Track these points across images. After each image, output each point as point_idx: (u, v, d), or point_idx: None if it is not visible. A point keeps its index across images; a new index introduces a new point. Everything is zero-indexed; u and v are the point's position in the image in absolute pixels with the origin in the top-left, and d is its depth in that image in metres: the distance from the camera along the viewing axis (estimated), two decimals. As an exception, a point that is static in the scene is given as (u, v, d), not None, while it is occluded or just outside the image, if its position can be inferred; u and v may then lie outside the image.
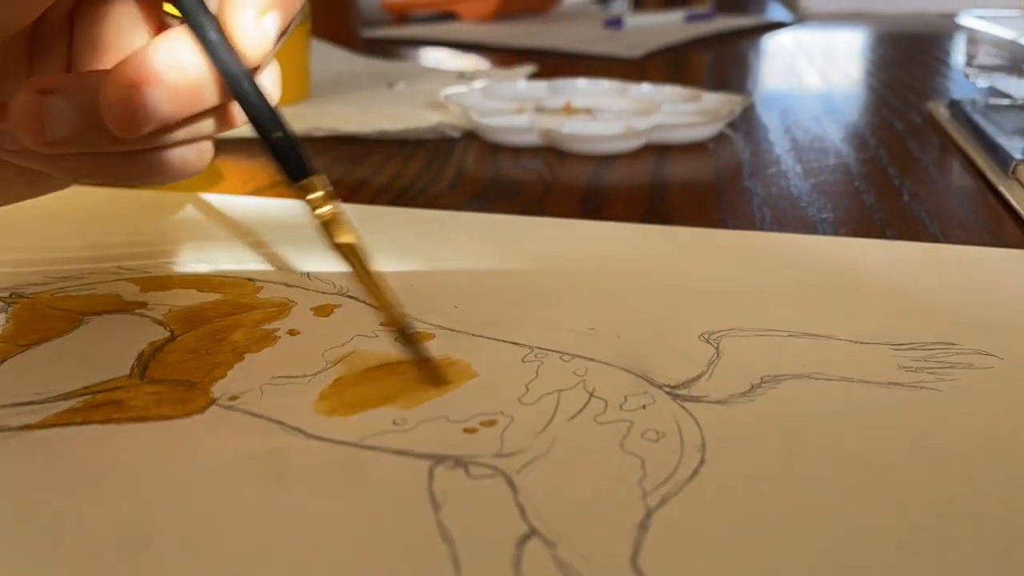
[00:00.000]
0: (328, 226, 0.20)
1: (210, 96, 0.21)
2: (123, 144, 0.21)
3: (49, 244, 0.29)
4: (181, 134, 0.23)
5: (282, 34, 0.22)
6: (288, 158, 0.21)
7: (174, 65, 0.20)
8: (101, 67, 0.23)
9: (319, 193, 0.21)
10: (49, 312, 0.23)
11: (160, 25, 0.24)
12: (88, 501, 0.16)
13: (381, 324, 0.20)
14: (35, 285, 0.25)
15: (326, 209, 0.20)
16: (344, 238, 0.20)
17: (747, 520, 0.15)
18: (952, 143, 0.44)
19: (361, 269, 0.20)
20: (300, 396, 0.19)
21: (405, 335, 0.20)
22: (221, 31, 0.20)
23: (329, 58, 0.66)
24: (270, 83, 0.24)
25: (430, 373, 0.20)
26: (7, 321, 0.23)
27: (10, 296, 0.24)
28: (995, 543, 0.15)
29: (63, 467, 0.17)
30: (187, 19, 0.21)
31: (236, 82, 0.21)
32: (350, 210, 0.33)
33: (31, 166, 0.23)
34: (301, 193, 0.21)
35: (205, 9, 0.21)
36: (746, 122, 0.50)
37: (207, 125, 0.23)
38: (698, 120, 0.45)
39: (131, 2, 0.23)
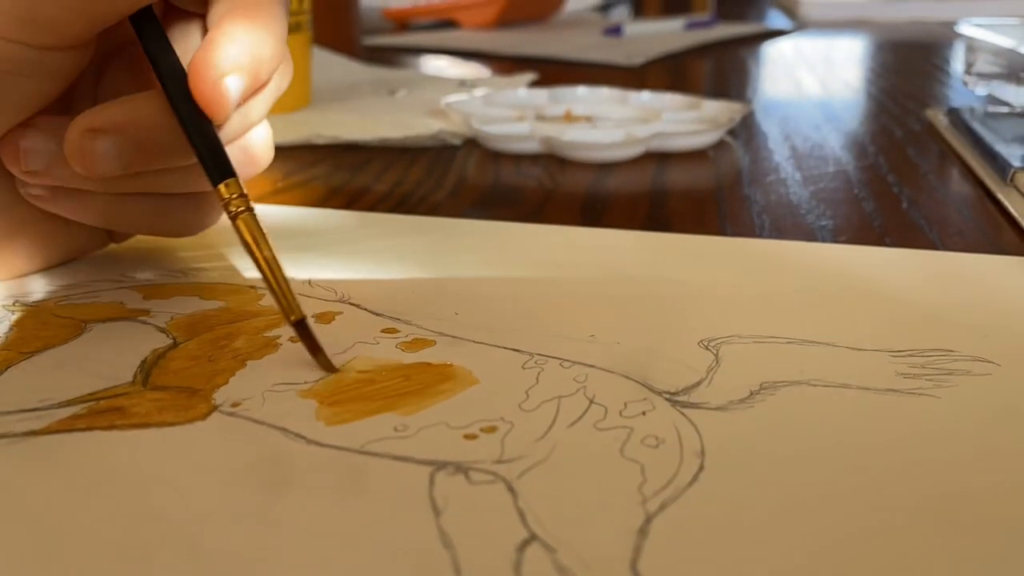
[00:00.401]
0: (240, 226, 0.21)
1: (174, 152, 0.23)
2: (97, 184, 0.23)
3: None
4: (156, 183, 0.25)
5: (256, 96, 0.24)
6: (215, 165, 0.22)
7: (129, 118, 0.22)
8: None
9: (235, 195, 0.22)
10: (52, 319, 0.24)
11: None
12: (91, 507, 0.16)
13: (287, 320, 0.21)
14: (38, 293, 0.25)
15: (241, 210, 0.21)
16: (252, 234, 0.21)
17: (746, 526, 0.15)
18: (951, 150, 0.44)
19: (264, 267, 0.21)
20: (302, 403, 0.19)
21: (302, 328, 0.21)
22: (186, 88, 0.22)
23: (330, 66, 0.67)
24: (259, 142, 0.26)
25: (324, 364, 0.21)
26: (10, 328, 0.23)
27: (13, 304, 0.25)
28: (995, 549, 0.15)
29: (67, 473, 0.17)
30: (157, 76, 0.22)
31: (190, 137, 0.22)
32: (352, 217, 0.33)
33: (58, 212, 0.25)
34: (221, 193, 0.22)
35: (175, 68, 0.22)
36: (746, 130, 0.50)
37: (182, 178, 0.25)
38: (698, 128, 0.45)
39: (145, 83, 0.25)
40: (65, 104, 0.25)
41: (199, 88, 0.21)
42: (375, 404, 0.19)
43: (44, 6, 0.21)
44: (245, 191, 0.22)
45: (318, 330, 0.21)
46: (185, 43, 0.24)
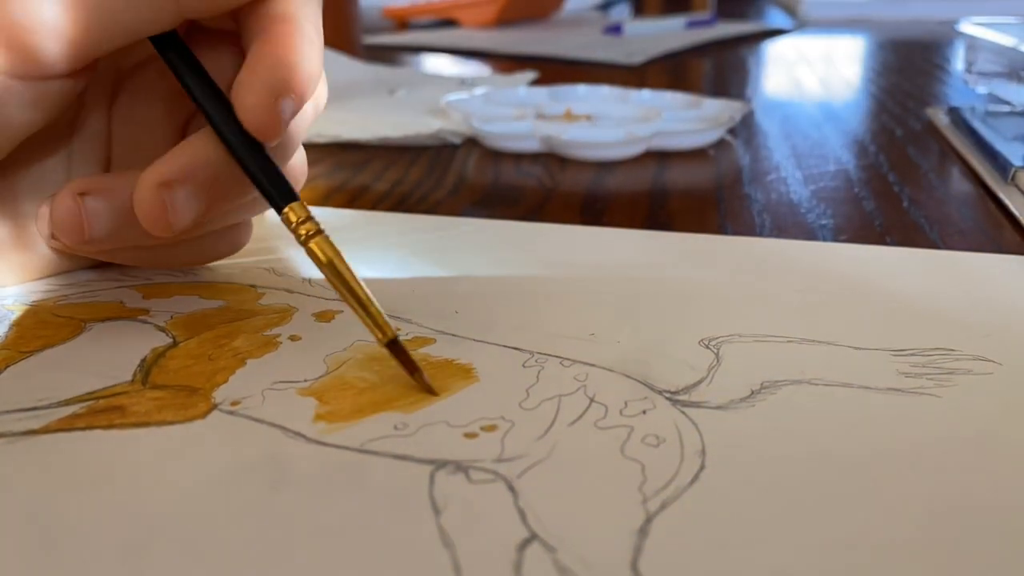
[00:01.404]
0: (314, 248, 0.20)
1: (237, 187, 0.22)
2: (159, 238, 0.22)
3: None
4: (217, 223, 0.24)
5: (298, 114, 0.22)
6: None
7: (197, 162, 0.21)
8: (136, 158, 0.25)
9: (303, 218, 0.21)
10: (52, 319, 0.24)
11: (188, 121, 0.25)
12: (91, 506, 0.16)
13: (378, 340, 0.20)
14: (38, 292, 0.25)
15: (312, 233, 0.21)
16: (330, 260, 0.20)
17: (747, 525, 0.15)
18: (952, 149, 0.44)
19: (349, 288, 0.20)
20: (301, 401, 0.19)
21: (397, 348, 0.20)
22: (233, 118, 0.21)
23: (330, 65, 0.66)
24: (298, 164, 0.26)
25: (423, 385, 0.20)
26: (10, 327, 0.23)
27: (13, 303, 0.25)
28: (996, 548, 0.15)
29: (66, 472, 0.17)
30: (201, 109, 0.22)
31: (246, 167, 0.21)
32: (352, 216, 0.33)
33: (75, 255, 0.25)
34: (287, 219, 0.21)
35: (218, 98, 0.22)
36: (746, 128, 0.50)
37: (240, 211, 0.25)
38: (698, 127, 0.45)
39: (161, 102, 0.25)
40: (71, 129, 0.24)
41: (251, 115, 0.20)
42: (375, 402, 0.19)
43: (28, 35, 0.20)
44: (311, 213, 0.21)
45: (326, 330, 0.21)
46: (218, 64, 0.23)
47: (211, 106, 0.21)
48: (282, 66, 0.21)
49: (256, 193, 0.22)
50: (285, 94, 0.21)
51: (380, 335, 0.20)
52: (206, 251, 0.26)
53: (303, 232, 0.21)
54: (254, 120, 0.21)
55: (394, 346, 0.20)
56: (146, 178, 0.21)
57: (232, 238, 0.26)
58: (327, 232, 0.21)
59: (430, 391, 0.20)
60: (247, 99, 0.20)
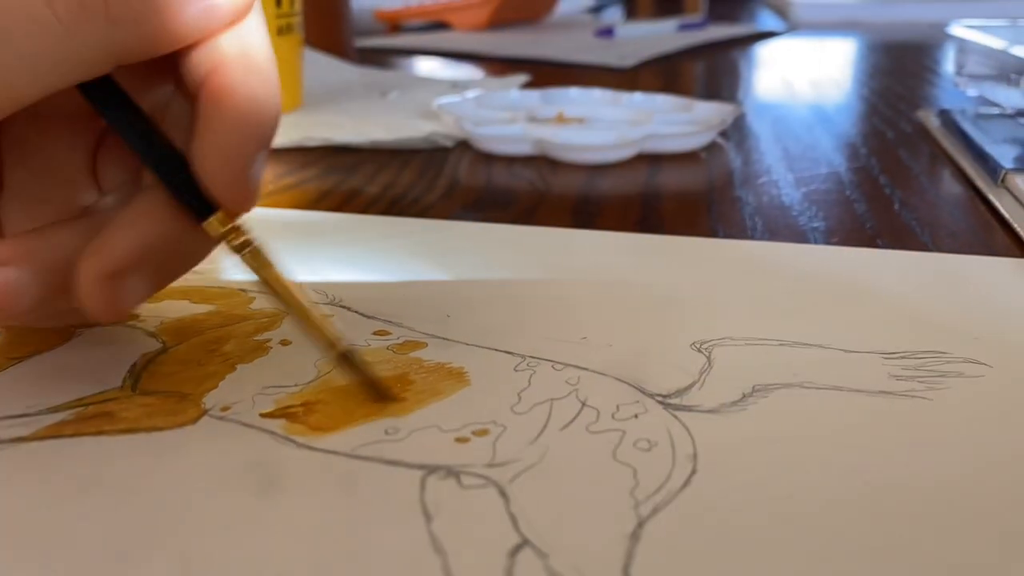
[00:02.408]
0: (250, 258, 0.19)
1: (201, 252, 0.20)
2: None
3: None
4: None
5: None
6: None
7: (148, 242, 0.18)
8: (37, 199, 0.21)
9: (229, 226, 0.19)
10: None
11: (96, 138, 0.21)
12: (80, 513, 0.16)
13: (321, 352, 0.19)
14: (27, 296, 0.25)
15: (242, 240, 0.19)
16: (269, 268, 0.19)
17: (739, 530, 0.15)
18: (942, 152, 0.45)
19: (288, 295, 0.19)
20: (291, 407, 0.19)
21: (344, 358, 0.19)
22: (188, 177, 0.18)
23: (322, 67, 0.66)
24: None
25: (379, 392, 0.19)
26: (-2, 333, 0.23)
27: (2, 307, 0.24)
28: (987, 551, 0.15)
29: (54, 480, 0.17)
30: (154, 172, 0.19)
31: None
32: (343, 220, 0.33)
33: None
34: (214, 229, 0.19)
35: (172, 156, 0.19)
36: (737, 131, 0.50)
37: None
38: (690, 130, 0.45)
39: (64, 120, 0.21)
40: None
41: (219, 189, 0.18)
42: (364, 409, 0.19)
43: None
44: (238, 222, 0.19)
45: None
46: (149, 99, 0.20)
47: (165, 169, 0.19)
48: (246, 114, 0.18)
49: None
50: (255, 157, 0.18)
51: (330, 349, 0.19)
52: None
53: (231, 244, 0.19)
54: (226, 195, 0.18)
55: (344, 360, 0.19)
56: (89, 268, 0.18)
57: (186, 268, 0.22)
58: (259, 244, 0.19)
59: (391, 397, 0.19)
60: (212, 169, 0.18)
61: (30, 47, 0.16)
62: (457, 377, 0.21)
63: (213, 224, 0.19)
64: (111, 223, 0.18)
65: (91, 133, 0.21)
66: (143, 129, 0.19)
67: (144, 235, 0.18)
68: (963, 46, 0.54)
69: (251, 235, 0.19)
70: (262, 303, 0.25)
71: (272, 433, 0.18)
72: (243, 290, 0.26)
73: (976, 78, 0.51)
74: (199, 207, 0.19)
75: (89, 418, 0.19)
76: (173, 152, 0.19)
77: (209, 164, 0.18)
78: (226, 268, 0.27)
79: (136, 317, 0.24)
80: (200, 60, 0.18)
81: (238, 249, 0.19)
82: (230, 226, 0.19)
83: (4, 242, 0.19)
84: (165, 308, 0.24)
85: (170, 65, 0.19)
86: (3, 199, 0.21)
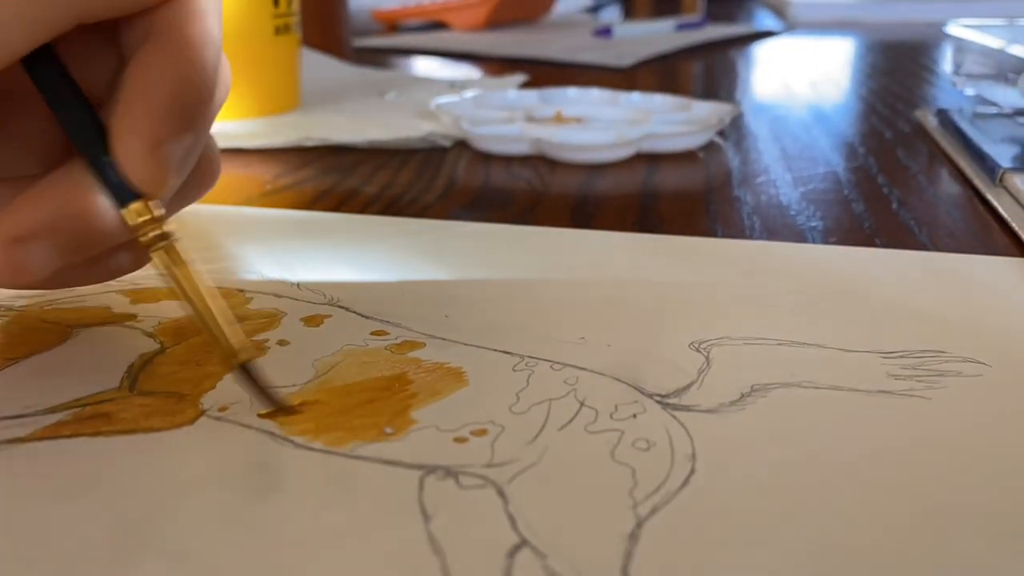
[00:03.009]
0: (162, 254, 0.19)
1: (115, 231, 0.19)
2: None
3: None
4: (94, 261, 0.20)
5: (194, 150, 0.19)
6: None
7: (60, 213, 0.18)
8: (13, 171, 0.21)
9: (146, 217, 0.18)
10: (38, 325, 0.23)
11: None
12: (77, 515, 0.16)
13: (222, 361, 0.18)
14: (24, 298, 0.25)
15: (158, 234, 0.19)
16: (182, 267, 0.19)
17: (737, 529, 0.15)
18: (940, 151, 0.45)
19: (195, 298, 0.19)
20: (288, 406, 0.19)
21: (243, 370, 0.19)
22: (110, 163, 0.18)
23: (319, 67, 0.66)
24: (208, 161, 0.21)
25: (277, 405, 0.19)
26: (-5, 333, 0.23)
27: (-1, 308, 0.24)
28: (986, 550, 0.15)
29: (52, 480, 0.17)
30: (72, 141, 0.19)
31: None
32: (341, 220, 0.33)
33: None
34: (129, 219, 0.19)
35: (92, 128, 0.18)
36: (736, 131, 0.50)
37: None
38: (688, 129, 0.45)
39: (32, 96, 0.20)
40: None
41: (131, 169, 0.18)
42: (362, 409, 0.19)
43: None
44: (157, 212, 0.18)
45: (314, 334, 0.19)
46: (89, 69, 0.20)
47: (83, 140, 0.18)
48: (165, 93, 0.17)
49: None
50: (172, 137, 0.17)
51: (228, 358, 0.18)
52: (96, 275, 0.22)
53: (145, 237, 0.18)
54: (139, 176, 0.18)
55: (242, 371, 0.19)
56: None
57: (129, 263, 0.22)
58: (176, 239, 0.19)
59: (289, 410, 0.19)
60: (124, 146, 0.17)
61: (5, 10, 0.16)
62: (455, 377, 0.21)
63: (130, 213, 0.18)
64: (28, 190, 0.18)
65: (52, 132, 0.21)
66: (74, 103, 0.18)
67: (52, 205, 0.18)
68: (961, 45, 0.54)
69: (170, 229, 0.19)
70: (259, 303, 0.25)
71: (270, 434, 0.18)
72: (241, 291, 0.26)
73: (974, 77, 0.51)
74: (118, 192, 0.18)
75: (87, 419, 0.19)
76: (101, 130, 0.18)
77: (121, 138, 0.18)
78: (223, 267, 0.27)
79: (134, 318, 0.24)
80: (137, 32, 0.18)
81: (150, 243, 0.19)
82: (147, 217, 0.18)
83: (15, 217, 0.18)
84: (163, 309, 0.24)
85: (115, 39, 0.19)
86: None
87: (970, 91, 0.51)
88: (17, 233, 0.18)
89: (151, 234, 0.19)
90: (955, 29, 0.56)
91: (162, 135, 0.17)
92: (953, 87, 0.54)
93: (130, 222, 0.18)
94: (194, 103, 0.18)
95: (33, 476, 0.17)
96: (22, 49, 0.17)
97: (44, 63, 0.18)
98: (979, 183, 0.37)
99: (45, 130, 0.21)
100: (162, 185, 0.18)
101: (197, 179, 0.22)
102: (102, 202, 0.18)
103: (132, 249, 0.21)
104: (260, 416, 0.19)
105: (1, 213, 0.18)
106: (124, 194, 0.18)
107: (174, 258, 0.19)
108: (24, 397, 0.20)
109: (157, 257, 0.19)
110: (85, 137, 0.18)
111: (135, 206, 0.18)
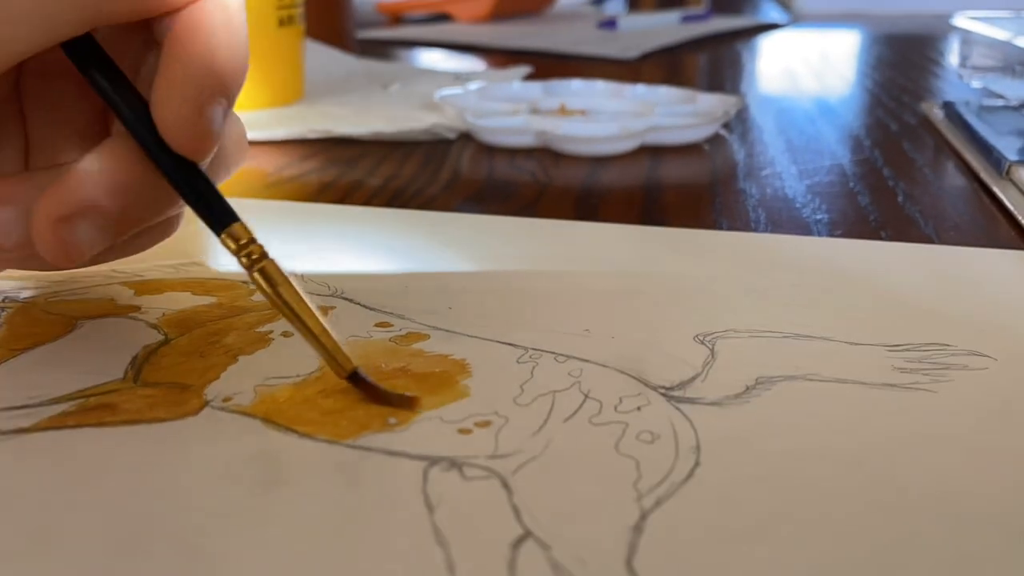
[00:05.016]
0: (261, 276, 0.19)
1: (155, 205, 0.19)
2: None
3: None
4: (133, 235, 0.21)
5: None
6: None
7: (104, 190, 0.18)
8: (59, 149, 0.22)
9: (244, 241, 0.19)
10: (43, 316, 0.23)
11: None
12: (82, 504, 0.16)
13: (337, 373, 0.19)
14: (29, 290, 0.25)
15: (256, 258, 0.19)
16: (281, 290, 0.19)
17: (742, 522, 0.15)
18: (946, 144, 0.44)
19: (298, 319, 0.19)
20: (295, 397, 0.19)
21: (358, 380, 0.19)
22: (153, 129, 0.18)
23: (323, 59, 0.66)
24: (234, 142, 0.22)
25: (395, 406, 0.19)
26: (1, 325, 0.23)
27: (4, 301, 0.24)
28: (991, 543, 0.15)
29: (56, 471, 0.17)
30: (120, 119, 0.19)
31: (177, 185, 0.19)
32: (345, 212, 0.33)
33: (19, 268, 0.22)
34: (225, 244, 0.19)
35: (135, 104, 0.19)
36: (741, 123, 0.50)
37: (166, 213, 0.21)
38: (693, 122, 0.45)
39: (74, 87, 0.22)
40: None
41: (175, 131, 0.18)
42: (367, 411, 0.19)
43: None
44: (254, 235, 0.19)
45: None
46: (130, 57, 0.20)
47: (126, 114, 0.19)
48: (205, 60, 0.18)
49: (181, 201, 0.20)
50: (212, 100, 0.18)
51: (339, 369, 0.19)
52: (128, 249, 0.23)
53: (245, 259, 0.19)
54: (179, 137, 0.18)
55: (355, 379, 0.19)
56: (42, 209, 0.18)
57: (160, 231, 0.23)
58: (274, 259, 0.19)
59: (411, 407, 0.19)
60: (167, 114, 0.18)
61: (18, 6, 0.17)
62: (459, 369, 0.21)
63: (227, 240, 0.19)
64: (71, 169, 0.18)
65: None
66: (117, 82, 0.19)
67: (98, 182, 0.18)
68: (967, 37, 0.54)
69: (264, 250, 0.19)
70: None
71: (274, 424, 0.18)
72: (244, 282, 0.26)
73: (980, 70, 0.51)
74: (217, 219, 0.19)
75: (91, 409, 0.19)
76: (144, 106, 0.19)
77: (165, 104, 0.18)
78: (226, 260, 0.27)
79: (138, 310, 0.24)
80: (167, 20, 0.19)
81: (250, 265, 0.19)
82: (246, 239, 0.19)
83: (60, 195, 0.19)
84: (166, 300, 0.24)
85: (146, 25, 0.20)
86: (31, 155, 0.22)
87: (976, 83, 0.51)
88: (63, 212, 0.18)
89: (248, 255, 0.19)
90: (961, 21, 0.56)
91: (204, 98, 0.18)
92: (959, 79, 0.54)
93: (229, 248, 0.19)
94: (231, 73, 0.18)
95: (38, 466, 0.17)
96: (36, 45, 0.18)
97: (84, 48, 0.19)
98: (985, 176, 0.37)
99: (82, 114, 0.22)
100: (207, 148, 0.18)
101: (231, 154, 0.22)
102: (147, 173, 0.19)
103: (169, 222, 0.22)
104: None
105: (46, 193, 0.18)
106: (220, 221, 0.19)
107: (274, 277, 0.19)
108: (29, 388, 0.20)
109: (259, 277, 0.19)
110: (133, 114, 0.19)
111: (233, 228, 0.19)
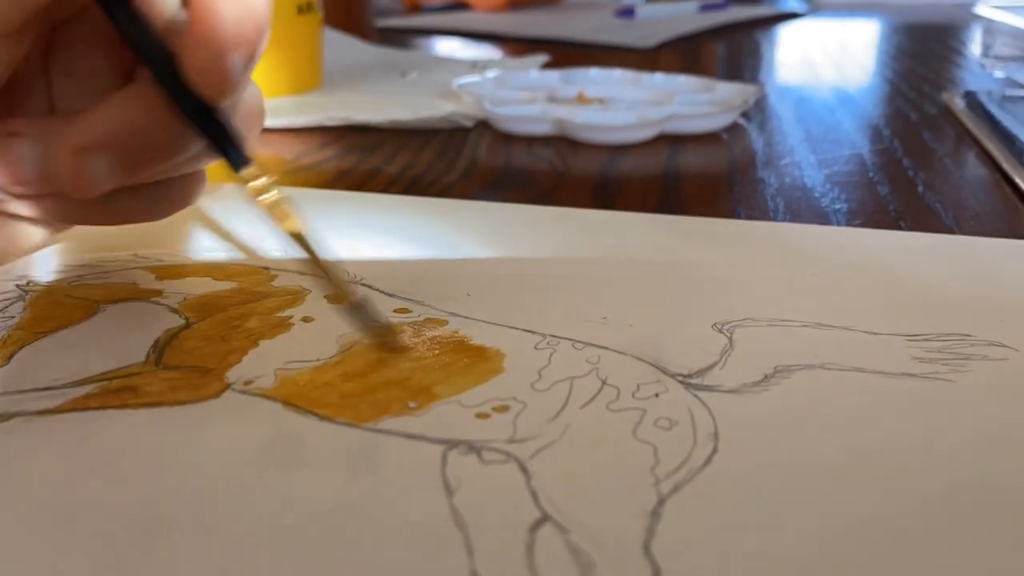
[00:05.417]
0: (274, 211, 0.20)
1: (171, 147, 0.21)
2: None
3: (65, 234, 0.29)
4: (156, 177, 0.22)
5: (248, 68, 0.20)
6: (228, 147, 0.20)
7: (121, 126, 0.20)
8: (84, 95, 0.23)
9: (263, 179, 0.20)
10: (66, 300, 0.24)
11: (135, 66, 0.23)
12: (104, 485, 0.16)
13: (330, 302, 0.21)
14: (52, 273, 0.25)
15: (271, 195, 0.20)
16: (290, 224, 0.20)
17: (759, 509, 0.15)
18: (967, 134, 0.44)
19: (310, 253, 0.20)
20: (314, 381, 0.19)
21: (356, 306, 0.20)
22: (175, 71, 0.19)
23: (341, 47, 0.66)
24: (253, 106, 0.23)
25: (388, 341, 0.20)
26: (25, 309, 0.23)
27: (28, 284, 0.25)
28: (1009, 533, 0.15)
29: (80, 451, 0.17)
30: (144, 62, 0.20)
31: (199, 126, 0.20)
32: (363, 198, 0.33)
33: (7, 210, 0.23)
34: (243, 180, 0.20)
35: (160, 49, 0.20)
36: (759, 112, 0.49)
37: (185, 165, 0.22)
38: (711, 110, 0.45)
39: (101, 50, 0.23)
40: (10, 91, 0.22)
41: (200, 75, 0.19)
42: (387, 384, 0.19)
43: None
44: (268, 175, 0.20)
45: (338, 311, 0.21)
46: (159, 8, 0.21)
47: (153, 60, 0.20)
48: (229, 16, 0.19)
49: (197, 147, 0.21)
50: (235, 49, 0.19)
51: (344, 297, 0.20)
52: (148, 207, 0.24)
53: (262, 197, 0.20)
54: (203, 81, 0.19)
55: (356, 308, 0.20)
56: (64, 140, 0.20)
57: (180, 192, 0.24)
58: (286, 193, 0.20)
59: (402, 349, 0.20)
60: (194, 58, 0.19)
61: None
62: (496, 356, 0.21)
63: (244, 177, 0.20)
64: (96, 105, 0.20)
65: (126, 59, 0.23)
66: (145, 29, 0.20)
67: (116, 118, 0.20)
68: (990, 27, 0.53)
69: (279, 189, 0.20)
70: (284, 281, 0.25)
71: (294, 407, 0.18)
72: (265, 268, 0.26)
73: (1003, 59, 0.51)
74: (233, 159, 0.20)
75: (114, 391, 0.19)
76: (171, 55, 0.20)
77: (191, 50, 0.19)
78: (248, 245, 0.28)
79: (160, 294, 0.24)
80: None
81: (259, 193, 0.20)
82: (258, 176, 0.20)
83: (17, 120, 0.21)
84: (188, 285, 0.25)
85: None
86: (57, 112, 0.23)
87: (999, 73, 0.51)
88: (81, 143, 0.19)
89: (259, 188, 0.20)
90: (984, 10, 0.55)
91: (227, 45, 0.19)
92: (981, 69, 0.53)
93: (246, 180, 0.20)
94: (253, 27, 0.19)
95: (62, 447, 0.17)
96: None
97: (115, 4, 0.20)
98: (1007, 166, 0.36)
99: (109, 63, 0.23)
100: (228, 92, 0.20)
101: (249, 119, 0.23)
102: (164, 116, 0.20)
103: (190, 182, 0.23)
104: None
105: (68, 126, 0.20)
106: (240, 160, 0.20)
107: (284, 212, 0.20)
108: (53, 370, 0.20)
109: (266, 208, 0.20)
110: (157, 58, 0.20)
111: (250, 168, 0.20)
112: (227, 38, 0.19)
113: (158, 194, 0.23)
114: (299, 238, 0.20)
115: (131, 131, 0.20)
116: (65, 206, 0.22)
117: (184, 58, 0.19)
